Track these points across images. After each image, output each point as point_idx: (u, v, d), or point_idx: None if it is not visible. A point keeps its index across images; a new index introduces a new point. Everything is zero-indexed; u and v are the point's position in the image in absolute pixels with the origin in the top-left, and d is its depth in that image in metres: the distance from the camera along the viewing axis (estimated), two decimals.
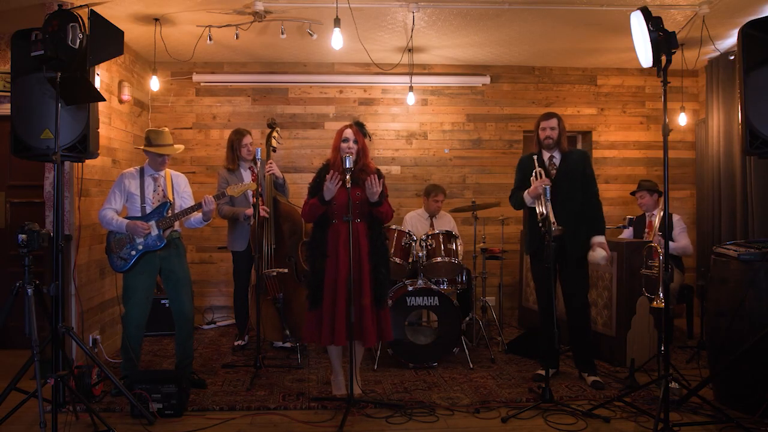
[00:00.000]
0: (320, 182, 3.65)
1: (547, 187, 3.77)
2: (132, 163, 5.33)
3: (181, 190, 4.11)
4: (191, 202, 4.10)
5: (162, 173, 4.05)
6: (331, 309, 3.58)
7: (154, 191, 3.98)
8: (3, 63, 4.75)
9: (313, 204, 3.63)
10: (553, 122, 4.12)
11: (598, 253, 3.98)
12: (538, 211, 3.86)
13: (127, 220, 3.85)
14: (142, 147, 4.05)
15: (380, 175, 3.70)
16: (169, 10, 4.66)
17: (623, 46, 5.62)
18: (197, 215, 4.00)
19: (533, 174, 4.03)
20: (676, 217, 5.33)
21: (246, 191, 4.73)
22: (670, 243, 5.11)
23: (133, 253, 3.86)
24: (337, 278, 3.58)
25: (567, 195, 4.01)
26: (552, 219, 3.68)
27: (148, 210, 3.93)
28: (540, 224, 3.78)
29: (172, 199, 4.00)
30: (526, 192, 4.03)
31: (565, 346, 4.76)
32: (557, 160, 4.12)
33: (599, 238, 4.04)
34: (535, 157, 4.07)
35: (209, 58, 6.07)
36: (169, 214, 3.91)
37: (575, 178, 4.06)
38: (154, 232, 3.85)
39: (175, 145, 4.11)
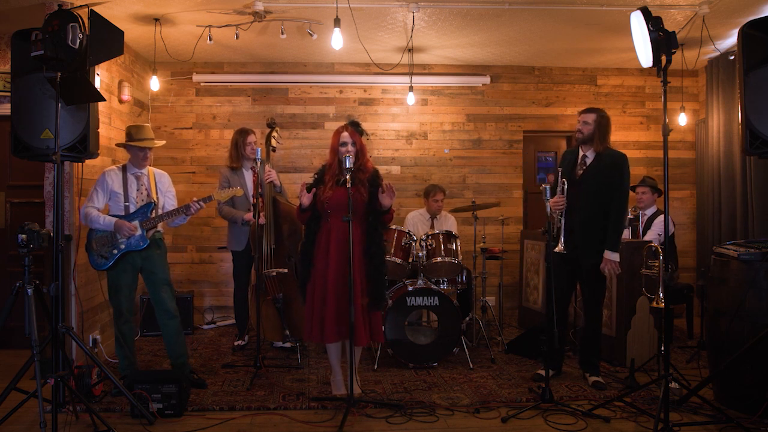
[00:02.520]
0: (316, 182, 3.74)
1: (563, 209, 3.81)
2: None
3: (165, 188, 4.09)
4: (174, 202, 4.10)
5: (145, 171, 4.02)
6: (320, 307, 3.61)
7: (137, 190, 3.96)
8: (3, 63, 4.75)
9: (297, 208, 3.79)
10: (589, 117, 3.93)
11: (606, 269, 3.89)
12: (555, 225, 3.83)
13: (115, 218, 3.82)
14: (122, 143, 4.05)
15: (378, 175, 3.71)
16: (169, 10, 4.66)
17: (623, 46, 5.62)
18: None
19: (557, 182, 3.88)
20: (660, 218, 5.23)
21: (246, 191, 4.76)
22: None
23: (115, 252, 3.85)
24: (327, 277, 3.60)
25: (587, 199, 3.88)
26: (561, 238, 3.79)
27: (132, 209, 3.90)
28: (553, 235, 3.80)
29: (156, 199, 3.98)
30: (548, 201, 3.81)
31: (565, 346, 4.75)
32: (589, 160, 3.96)
33: (608, 254, 3.84)
34: (559, 169, 3.93)
35: (209, 58, 6.07)
36: (153, 215, 3.90)
37: (601, 182, 3.86)
38: (138, 232, 3.84)
39: (156, 141, 4.10)
